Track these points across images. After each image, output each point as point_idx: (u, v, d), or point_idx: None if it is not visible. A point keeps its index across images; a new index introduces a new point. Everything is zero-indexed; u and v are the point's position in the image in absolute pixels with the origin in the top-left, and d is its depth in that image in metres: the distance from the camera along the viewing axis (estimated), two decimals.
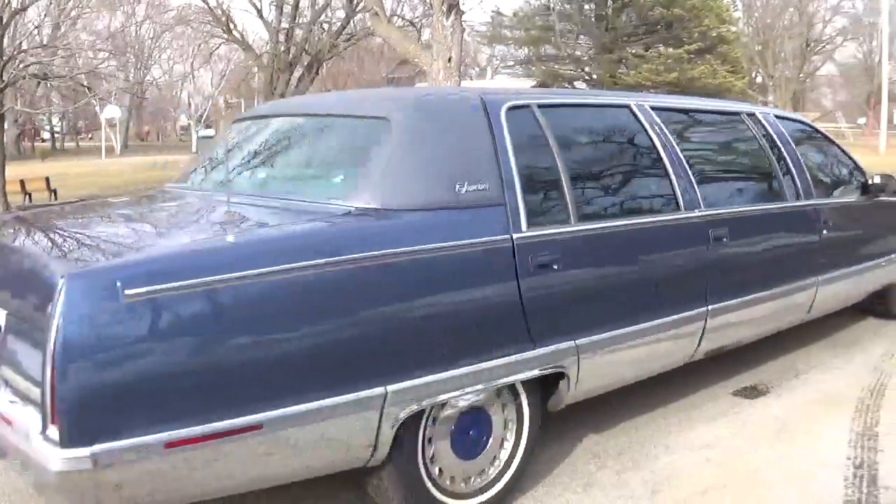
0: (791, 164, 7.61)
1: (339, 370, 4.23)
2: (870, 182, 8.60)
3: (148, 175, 37.08)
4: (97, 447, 3.58)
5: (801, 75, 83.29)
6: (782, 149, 7.64)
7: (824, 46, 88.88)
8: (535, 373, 5.06)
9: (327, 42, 42.28)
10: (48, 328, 3.58)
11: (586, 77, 44.26)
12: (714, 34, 41.52)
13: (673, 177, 6.21)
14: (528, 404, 5.24)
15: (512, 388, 5.12)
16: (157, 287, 3.73)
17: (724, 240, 6.40)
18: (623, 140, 6.40)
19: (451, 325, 4.68)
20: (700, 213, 6.27)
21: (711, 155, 7.33)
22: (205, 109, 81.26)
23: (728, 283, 6.50)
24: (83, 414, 3.61)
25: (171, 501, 4.03)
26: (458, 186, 4.92)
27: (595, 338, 5.36)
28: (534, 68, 46.12)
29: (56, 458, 3.56)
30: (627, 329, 5.61)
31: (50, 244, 4.84)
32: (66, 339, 3.57)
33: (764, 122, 7.75)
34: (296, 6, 42.71)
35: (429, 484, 4.78)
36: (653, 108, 6.53)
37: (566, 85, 45.21)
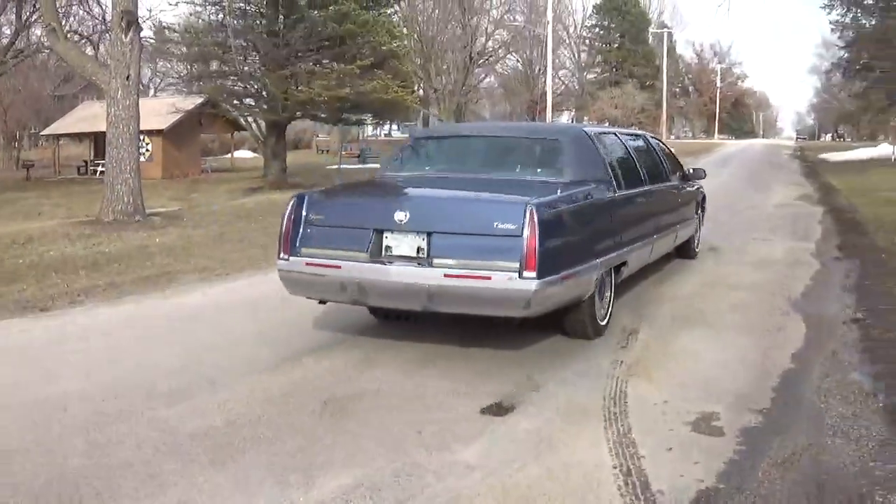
0: (664, 161, 13.97)
1: (596, 248, 9.41)
2: (687, 172, 15.09)
3: None
4: (547, 278, 8.10)
5: (463, 87, 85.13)
6: (659, 153, 14.03)
7: (487, 59, 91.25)
8: (623, 260, 10.47)
9: None
10: (524, 229, 8.05)
11: (257, 93, 43.83)
12: (385, 49, 41.94)
13: (639, 167, 12.13)
14: (614, 277, 10.34)
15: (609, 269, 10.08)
16: (557, 209, 8.73)
17: (655, 201, 12.53)
18: (622, 149, 12.14)
19: (609, 234, 9.97)
20: (648, 187, 12.13)
21: (641, 156, 12.77)
22: None
23: (657, 224, 12.44)
24: (543, 264, 8.04)
25: (555, 305, 8.74)
26: (594, 171, 10.42)
27: (633, 246, 10.85)
28: (201, 84, 45.38)
29: (533, 283, 7.98)
30: (638, 244, 11.16)
31: (476, 196, 9.67)
32: (538, 231, 8.01)
33: (649, 138, 14.48)
34: None
35: (596, 313, 9.68)
36: (618, 134, 12.93)
37: (236, 101, 44.86)
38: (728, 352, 9.36)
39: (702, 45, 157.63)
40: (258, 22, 42.20)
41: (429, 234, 8.57)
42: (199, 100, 47.97)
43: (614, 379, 8.26)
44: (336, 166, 53.33)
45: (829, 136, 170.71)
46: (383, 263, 8.69)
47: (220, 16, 41.77)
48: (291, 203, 9.44)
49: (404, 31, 63.36)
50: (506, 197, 9.10)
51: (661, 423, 7.00)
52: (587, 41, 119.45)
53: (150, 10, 47.58)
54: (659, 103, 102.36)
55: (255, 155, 62.63)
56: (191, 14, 48.10)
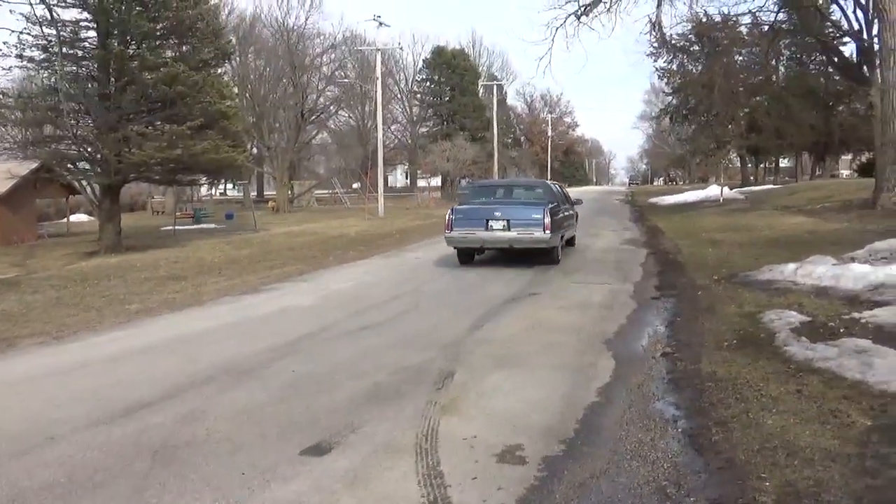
0: (566, 195, 30.02)
1: (559, 226, 24.63)
2: (573, 200, 30.97)
3: None
4: (552, 234, 23.18)
5: (296, 145, 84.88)
6: (564, 191, 30.84)
7: (319, 115, 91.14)
8: (562, 234, 25.90)
9: None
10: (543, 216, 22.93)
11: (91, 157, 43.17)
12: (215, 109, 41.68)
13: (562, 197, 28.18)
14: (564, 241, 26.96)
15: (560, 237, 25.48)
16: (553, 209, 24.12)
17: (568, 213, 27.91)
18: (557, 188, 29.15)
19: (560, 222, 25.07)
20: (566, 206, 27.78)
21: (561, 192, 29.38)
22: None
23: (568, 224, 27.52)
24: (551, 229, 23.06)
25: (554, 244, 23.96)
26: (554, 197, 25.96)
27: (564, 230, 26.29)
28: (35, 149, 44.63)
29: (549, 234, 23.00)
30: (565, 230, 26.47)
31: (527, 204, 24.57)
32: (549, 217, 23.06)
33: (560, 185, 33.87)
34: None
35: (559, 254, 24.75)
36: (553, 182, 31.29)
37: (70, 165, 44.20)
38: (538, 389, 9.81)
39: (532, 95, 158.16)
40: (90, 85, 41.73)
41: (508, 220, 22.69)
42: (34, 164, 47.26)
43: (428, 418, 8.66)
44: (171, 227, 53.27)
45: (661, 180, 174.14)
46: (491, 231, 22.79)
47: (53, 80, 41.31)
48: (449, 211, 23.66)
49: (235, 90, 63.31)
50: (535, 206, 23.14)
51: (469, 456, 7.46)
52: (419, 95, 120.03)
53: None
54: (491, 154, 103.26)
55: (92, 218, 61.71)
56: (24, 78, 47.57)
